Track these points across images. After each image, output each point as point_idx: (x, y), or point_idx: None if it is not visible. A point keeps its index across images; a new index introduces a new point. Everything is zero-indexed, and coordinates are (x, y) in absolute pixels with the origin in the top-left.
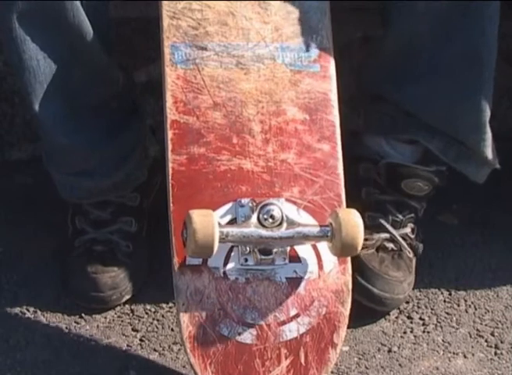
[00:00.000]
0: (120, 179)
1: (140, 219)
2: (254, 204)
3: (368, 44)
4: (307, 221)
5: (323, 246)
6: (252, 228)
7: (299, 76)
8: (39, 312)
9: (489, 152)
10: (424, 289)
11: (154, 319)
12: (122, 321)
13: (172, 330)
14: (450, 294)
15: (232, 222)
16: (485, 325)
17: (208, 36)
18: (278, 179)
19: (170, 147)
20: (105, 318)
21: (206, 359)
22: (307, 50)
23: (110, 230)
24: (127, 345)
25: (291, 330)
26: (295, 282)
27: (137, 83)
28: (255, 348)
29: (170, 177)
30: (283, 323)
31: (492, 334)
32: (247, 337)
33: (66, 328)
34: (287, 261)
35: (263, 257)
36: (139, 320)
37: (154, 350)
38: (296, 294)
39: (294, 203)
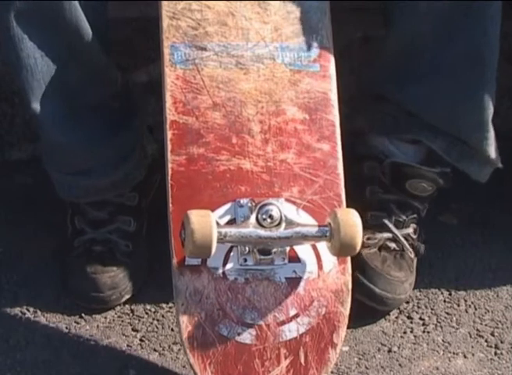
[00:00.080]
0: (119, 178)
1: (139, 219)
2: (253, 204)
3: (368, 44)
4: (306, 221)
5: (323, 246)
6: (250, 228)
7: (298, 75)
8: (39, 312)
9: (492, 151)
10: (424, 289)
11: (154, 319)
12: (122, 321)
13: (172, 330)
14: (450, 294)
15: (232, 222)
16: (485, 325)
17: (208, 36)
18: (277, 179)
19: (169, 147)
20: (105, 318)
21: (205, 359)
22: (308, 50)
23: (108, 230)
24: (127, 345)
25: (291, 330)
26: (294, 282)
27: (138, 83)
28: (255, 348)
29: (169, 178)
30: (283, 323)
31: (492, 334)
32: (247, 337)
33: (66, 328)
34: (287, 261)
35: (262, 257)
36: (139, 320)
37: (154, 350)
38: (296, 294)
39: (294, 203)
